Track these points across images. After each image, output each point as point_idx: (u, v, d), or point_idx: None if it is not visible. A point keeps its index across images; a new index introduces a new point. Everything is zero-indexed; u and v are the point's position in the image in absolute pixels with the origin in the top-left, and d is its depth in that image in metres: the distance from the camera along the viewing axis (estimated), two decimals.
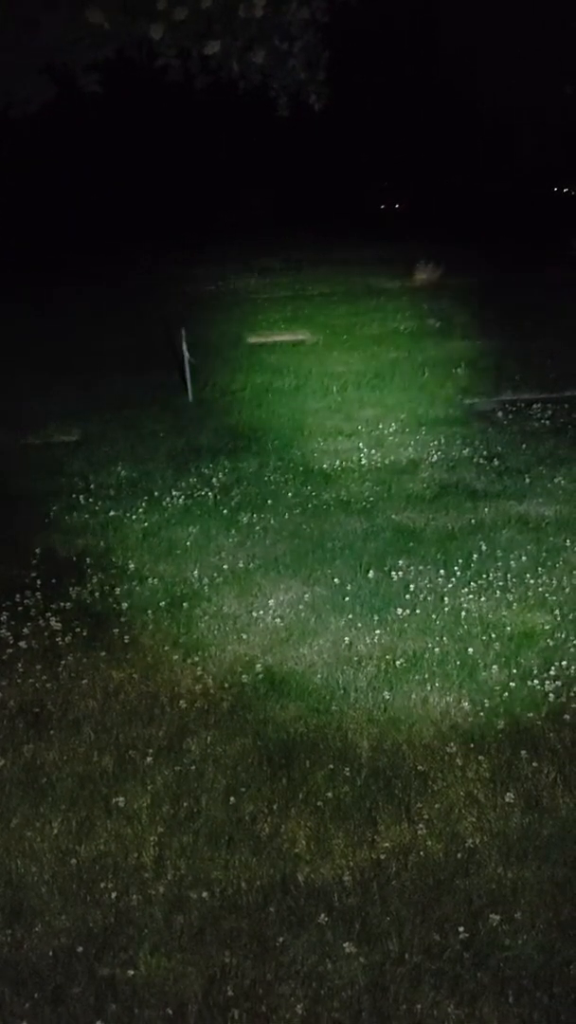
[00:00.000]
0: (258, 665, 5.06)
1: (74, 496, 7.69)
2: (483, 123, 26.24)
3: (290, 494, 7.61)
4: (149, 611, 5.70)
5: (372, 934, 3.29)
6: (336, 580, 6.01)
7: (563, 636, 5.13)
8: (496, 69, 21.21)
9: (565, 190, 30.27)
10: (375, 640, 5.26)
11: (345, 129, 25.96)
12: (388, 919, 3.35)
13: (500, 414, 9.71)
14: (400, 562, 6.20)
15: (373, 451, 8.76)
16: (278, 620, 5.55)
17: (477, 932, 3.26)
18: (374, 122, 27.40)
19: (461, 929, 3.26)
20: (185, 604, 5.77)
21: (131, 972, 3.19)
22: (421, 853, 3.66)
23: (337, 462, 8.45)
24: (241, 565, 6.31)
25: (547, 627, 5.26)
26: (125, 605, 5.78)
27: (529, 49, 20.28)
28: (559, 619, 5.33)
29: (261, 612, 5.65)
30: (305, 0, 12.05)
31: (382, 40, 23.12)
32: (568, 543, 6.37)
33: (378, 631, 5.34)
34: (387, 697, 4.70)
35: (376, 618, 5.49)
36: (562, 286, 17.30)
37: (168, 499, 7.57)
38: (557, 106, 22.17)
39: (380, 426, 9.56)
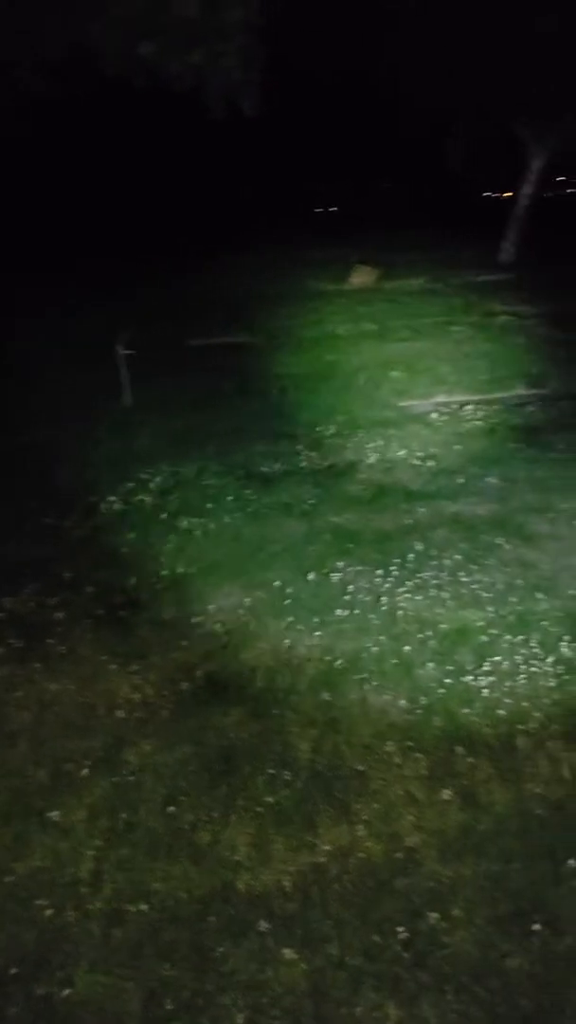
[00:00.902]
0: (198, 672, 5.02)
1: (6, 503, 7.55)
2: (417, 128, 26.52)
3: (230, 498, 7.58)
4: (86, 620, 5.62)
5: (312, 939, 3.28)
6: (276, 583, 5.99)
7: (496, 632, 5.20)
8: (430, 74, 21.44)
9: (496, 194, 30.75)
10: (315, 642, 5.26)
11: (280, 131, 26.00)
12: (328, 923, 3.35)
13: (435, 415, 9.82)
14: (339, 564, 6.21)
15: (312, 453, 8.78)
16: (218, 626, 5.52)
17: (416, 931, 3.27)
18: (310, 125, 27.50)
19: (401, 929, 3.27)
20: (123, 612, 5.70)
21: (68, 991, 3.13)
22: (361, 854, 3.66)
23: (277, 465, 8.44)
24: (181, 571, 6.26)
25: (480, 624, 5.32)
26: (61, 615, 5.68)
27: (462, 54, 20.54)
28: (492, 615, 5.40)
29: (201, 618, 5.61)
30: (240, 1, 12.03)
31: (318, 44, 23.21)
32: (500, 541, 6.46)
33: (318, 633, 5.34)
34: (327, 698, 4.70)
35: (316, 620, 5.49)
36: (493, 289, 17.58)
37: (105, 505, 7.48)
38: (487, 111, 22.50)
39: (319, 428, 9.59)
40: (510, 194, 24.72)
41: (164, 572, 6.23)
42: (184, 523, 7.04)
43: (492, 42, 19.96)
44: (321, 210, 35.91)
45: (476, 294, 17.31)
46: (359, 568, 6.14)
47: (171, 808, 3.97)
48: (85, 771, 4.21)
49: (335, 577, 6.00)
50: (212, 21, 11.09)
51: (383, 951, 3.20)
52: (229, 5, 11.57)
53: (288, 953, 3.23)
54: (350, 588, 5.85)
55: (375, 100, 25.41)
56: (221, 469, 8.33)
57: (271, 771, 4.15)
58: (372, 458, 8.63)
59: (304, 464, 8.47)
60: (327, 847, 3.71)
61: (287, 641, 5.29)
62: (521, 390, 10.81)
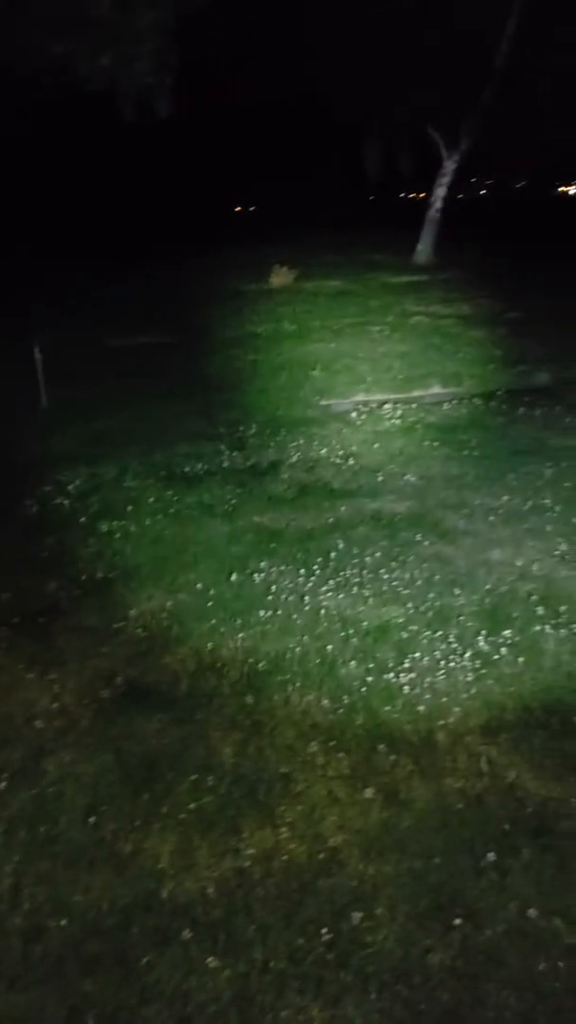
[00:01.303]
0: (119, 678, 4.95)
1: None
2: (335, 130, 26.74)
3: (151, 500, 7.50)
4: (2, 628, 5.48)
5: (237, 945, 3.27)
6: (199, 586, 5.95)
7: (416, 628, 5.26)
8: (346, 77, 21.62)
9: (411, 195, 31.20)
10: (238, 644, 5.24)
11: (196, 134, 25.88)
12: (253, 928, 3.33)
13: (355, 414, 9.91)
14: (262, 564, 6.21)
15: (235, 453, 8.77)
16: (140, 631, 5.45)
17: (340, 932, 3.28)
18: (225, 127, 27.46)
19: (324, 931, 3.28)
20: (41, 619, 5.58)
21: None
22: (285, 857, 3.66)
23: (199, 465, 8.40)
24: (101, 575, 6.16)
25: (401, 620, 5.38)
26: None
27: (378, 58, 20.78)
28: (411, 611, 5.47)
29: (122, 623, 5.53)
30: (153, 3, 11.95)
31: (233, 47, 23.17)
32: (418, 537, 6.55)
33: (241, 635, 5.32)
34: (250, 701, 4.69)
35: (239, 622, 5.47)
36: (409, 290, 17.85)
37: (21, 509, 7.32)
38: (404, 114, 22.81)
39: (241, 428, 9.58)
40: (424, 195, 25.11)
41: (84, 577, 6.13)
42: (104, 526, 6.94)
43: (402, 47, 20.27)
44: (240, 210, 35.88)
45: (392, 295, 17.57)
46: (282, 568, 6.14)
47: (92, 818, 3.90)
48: (3, 784, 4.11)
49: (258, 577, 6.00)
50: (124, 23, 10.97)
51: (307, 953, 3.20)
52: (142, 8, 11.47)
53: (212, 961, 3.20)
54: (273, 588, 5.85)
55: (294, 104, 25.52)
56: (142, 470, 8.25)
57: (194, 777, 4.12)
58: (294, 457, 8.65)
59: (226, 464, 8.45)
60: (251, 851, 3.70)
61: (210, 644, 5.26)
62: (437, 389, 10.99)
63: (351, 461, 8.44)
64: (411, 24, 20.34)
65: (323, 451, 8.77)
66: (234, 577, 6.00)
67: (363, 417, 9.91)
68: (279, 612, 5.54)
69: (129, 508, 7.29)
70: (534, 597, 5.65)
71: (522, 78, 21.22)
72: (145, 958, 3.24)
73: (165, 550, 6.55)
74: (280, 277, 19.34)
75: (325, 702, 4.65)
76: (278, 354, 13.02)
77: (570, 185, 46.36)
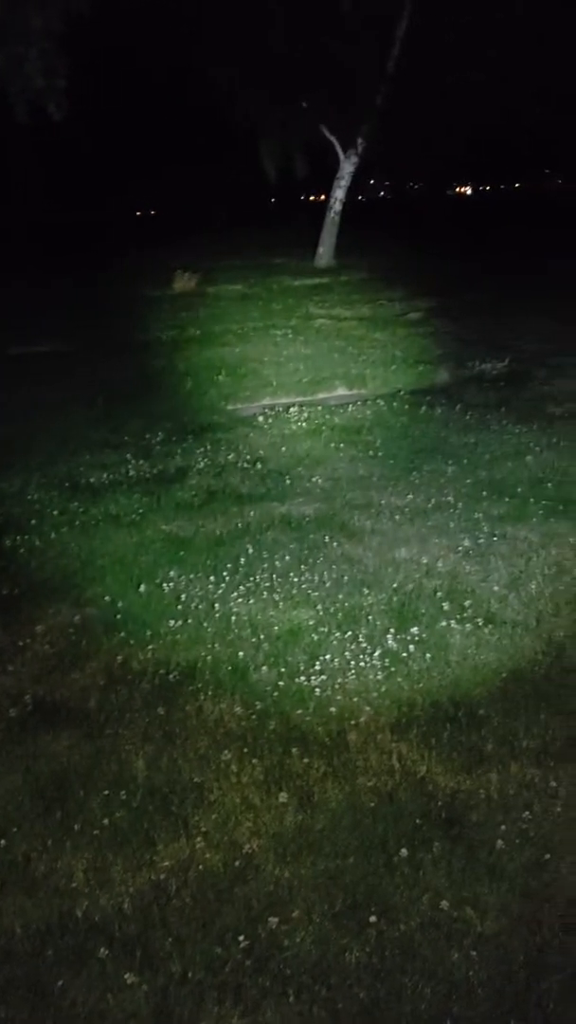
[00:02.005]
0: (27, 697, 4.84)
1: None
2: (232, 133, 26.76)
3: (55, 512, 7.37)
4: None
5: (154, 959, 3.24)
6: (107, 598, 5.88)
7: (326, 630, 5.32)
8: (241, 79, 21.67)
9: (311, 198, 31.49)
10: (148, 656, 5.20)
11: (91, 137, 25.54)
12: (170, 941, 3.31)
13: (261, 418, 9.95)
14: (171, 573, 6.17)
15: (141, 462, 8.69)
16: (47, 647, 5.35)
17: (257, 938, 3.29)
18: (120, 131, 27.18)
19: (242, 938, 3.28)
20: None
21: None
22: (200, 867, 3.65)
23: (104, 475, 8.30)
24: (5, 592, 6.02)
25: (311, 623, 5.43)
26: None
27: (273, 60, 20.90)
28: (321, 613, 5.52)
29: (28, 640, 5.41)
30: (39, 7, 11.76)
31: (129, 50, 22.98)
32: (327, 539, 6.62)
33: (151, 646, 5.28)
34: (162, 713, 4.65)
35: (149, 633, 5.43)
36: (310, 293, 18.03)
37: None
38: (298, 116, 23.00)
39: (147, 436, 9.51)
40: (324, 198, 25.38)
41: None
42: (7, 541, 6.78)
43: (297, 48, 20.44)
44: (140, 214, 35.55)
45: (295, 298, 17.70)
46: (191, 576, 6.12)
47: (2, 841, 3.81)
48: None
49: (167, 587, 5.96)
50: (13, 25, 10.77)
51: (225, 962, 3.20)
52: (31, 10, 11.28)
53: (130, 977, 3.17)
54: (183, 597, 5.82)
55: (192, 107, 25.45)
56: (45, 482, 8.10)
57: (106, 792, 4.07)
58: (201, 463, 8.64)
59: (132, 473, 8.37)
60: (166, 863, 3.68)
61: (120, 657, 5.20)
62: (342, 391, 11.14)
63: (259, 465, 8.47)
64: (305, 25, 20.55)
65: (230, 456, 8.78)
66: (143, 588, 5.95)
67: (270, 421, 9.96)
68: (189, 621, 5.52)
69: (33, 521, 7.15)
70: (440, 593, 5.78)
71: (415, 79, 21.68)
72: (60, 980, 3.18)
73: (71, 563, 6.44)
74: (183, 282, 19.26)
75: (238, 709, 4.65)
76: (183, 360, 12.97)
77: (465, 185, 47.57)
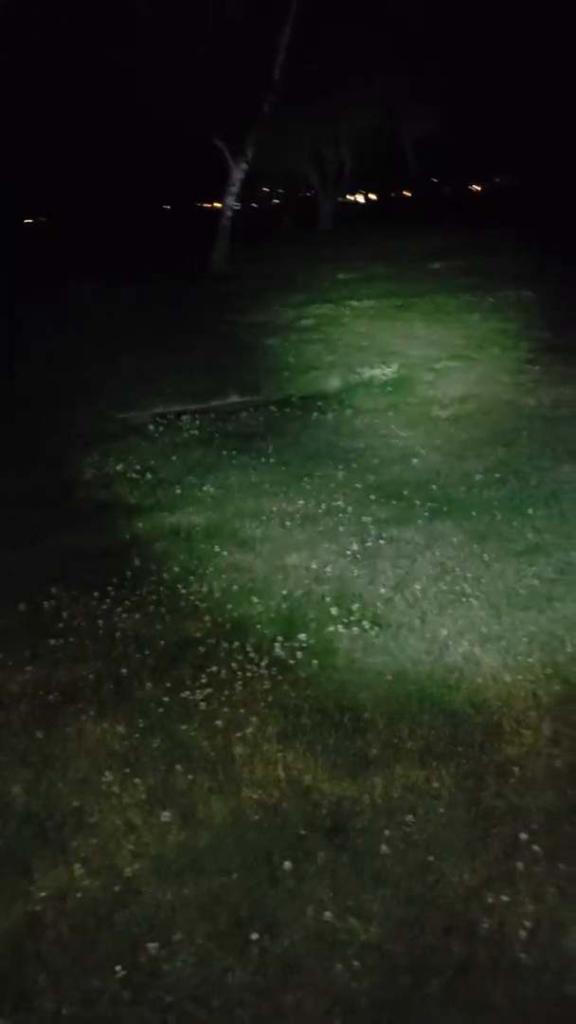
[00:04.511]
0: None
1: None
2: (130, 142, 26.45)
3: None
4: None
5: (26, 997, 3.09)
6: None
7: (213, 641, 5.23)
8: (133, 86, 21.44)
9: (206, 204, 31.41)
10: (27, 677, 5.00)
11: None
12: (44, 976, 3.17)
13: (152, 427, 9.80)
14: (53, 589, 5.97)
15: (25, 475, 8.42)
16: None
17: (136, 965, 3.18)
18: (16, 138, 26.53)
19: (119, 968, 3.16)
20: None
21: None
22: (79, 895, 3.51)
23: None
24: None
25: (199, 634, 5.33)
26: None
27: (163, 67, 20.75)
28: (209, 624, 5.44)
29: None
30: None
31: (20, 59, 22.45)
32: (217, 548, 6.54)
33: (30, 667, 5.09)
34: (41, 736, 4.48)
35: (28, 653, 5.23)
36: (205, 299, 17.94)
37: None
38: (194, 124, 22.89)
39: (32, 447, 9.23)
40: (219, 205, 25.35)
41: None
42: None
43: (187, 63, 20.38)
44: (31, 221, 34.79)
45: (188, 305, 17.56)
46: (74, 592, 5.93)
47: None
48: None
49: (48, 604, 5.76)
50: None
51: (101, 994, 3.07)
52: None
53: None
54: (64, 614, 5.64)
55: (85, 114, 25.00)
56: None
57: None
58: (89, 474, 8.44)
59: (16, 488, 8.10)
60: (43, 893, 3.52)
61: None
62: (235, 397, 11.08)
63: (148, 475, 8.32)
64: (192, 31, 20.49)
65: (119, 466, 8.60)
66: (22, 606, 5.73)
67: (161, 429, 9.81)
68: (71, 639, 5.35)
69: None
70: (328, 598, 5.76)
71: (301, 87, 21.87)
72: None
73: None
74: (77, 289, 18.88)
75: (120, 728, 4.51)
76: (72, 369, 12.67)
77: (356, 193, 48.27)
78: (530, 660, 4.97)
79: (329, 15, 21.20)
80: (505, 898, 3.41)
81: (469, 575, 5.97)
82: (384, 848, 3.65)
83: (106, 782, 4.11)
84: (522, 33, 25.01)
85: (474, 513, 6.97)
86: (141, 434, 9.70)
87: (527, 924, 3.29)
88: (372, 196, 49.97)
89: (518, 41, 25.22)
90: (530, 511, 6.97)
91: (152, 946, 3.24)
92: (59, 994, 3.09)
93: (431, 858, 3.61)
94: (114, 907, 3.44)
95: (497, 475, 7.79)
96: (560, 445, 8.53)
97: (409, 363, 12.00)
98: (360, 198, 53.14)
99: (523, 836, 3.69)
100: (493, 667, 4.91)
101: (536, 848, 3.63)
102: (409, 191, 48.52)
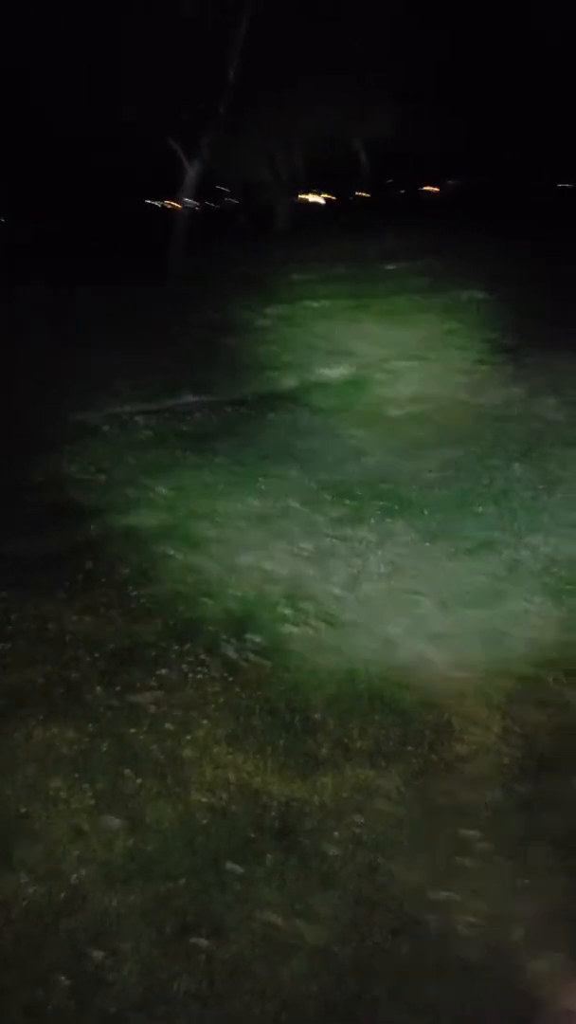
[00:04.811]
0: None
1: None
2: (83, 141, 26.17)
3: None
4: None
5: None
6: None
7: (164, 645, 5.19)
8: (94, 88, 21.23)
9: (159, 203, 31.25)
10: None
11: None
12: None
13: (106, 428, 9.69)
14: (3, 593, 5.88)
15: None
16: None
17: (81, 975, 3.14)
18: None
19: (63, 978, 3.12)
20: None
21: None
22: (23, 903, 3.46)
23: None
24: None
25: (150, 638, 5.29)
26: None
27: (123, 69, 20.57)
28: (160, 627, 5.39)
29: None
30: None
31: None
32: (170, 550, 6.49)
33: None
34: None
35: None
36: (160, 300, 17.84)
37: None
38: (148, 124, 22.73)
39: None
40: (174, 204, 25.21)
41: None
42: None
43: (142, 63, 20.21)
44: None
45: (142, 305, 17.43)
46: (24, 596, 5.85)
47: None
48: None
49: None
50: None
51: (44, 1006, 3.03)
52: None
53: None
54: (13, 617, 5.55)
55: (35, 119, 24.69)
56: None
57: None
58: (40, 477, 8.32)
59: None
60: None
61: None
62: (190, 397, 11.00)
63: (102, 477, 8.23)
64: (147, 30, 20.32)
65: (73, 468, 8.50)
66: None
67: (116, 430, 9.71)
68: (20, 642, 5.27)
69: None
70: (280, 599, 5.75)
71: (256, 87, 21.80)
72: None
73: None
74: (30, 290, 18.64)
75: (70, 733, 4.46)
76: (25, 371, 12.50)
77: (309, 193, 48.30)
78: (480, 657, 5.01)
79: (284, 15, 21.16)
80: (452, 896, 3.42)
81: (420, 574, 6.00)
82: (333, 849, 3.65)
83: (54, 787, 4.05)
84: (477, 36, 25.23)
85: (426, 512, 7.00)
86: (95, 435, 9.59)
87: (473, 921, 3.31)
88: (331, 197, 50.08)
89: (474, 44, 25.44)
90: (480, 509, 7.03)
91: (98, 954, 3.20)
92: (2, 1008, 3.03)
93: (380, 858, 3.62)
94: (60, 915, 3.39)
95: (449, 474, 7.84)
96: (510, 444, 8.60)
97: (364, 363, 12.03)
98: (320, 199, 53.27)
99: (471, 833, 3.71)
100: (443, 665, 4.94)
101: (483, 846, 3.65)
102: (367, 192, 48.68)
